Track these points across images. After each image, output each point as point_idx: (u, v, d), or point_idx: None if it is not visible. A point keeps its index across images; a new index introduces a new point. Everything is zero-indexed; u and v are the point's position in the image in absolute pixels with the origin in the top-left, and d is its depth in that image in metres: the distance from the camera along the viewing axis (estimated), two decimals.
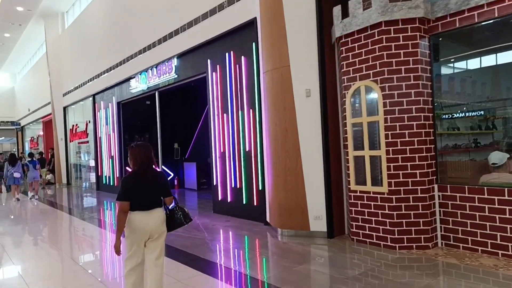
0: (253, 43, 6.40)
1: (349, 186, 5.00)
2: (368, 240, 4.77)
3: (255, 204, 6.59)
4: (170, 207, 3.15)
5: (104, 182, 12.80)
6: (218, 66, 7.30)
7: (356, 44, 4.85)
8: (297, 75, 5.32)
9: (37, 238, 6.55)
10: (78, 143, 15.35)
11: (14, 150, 26.18)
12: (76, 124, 15.34)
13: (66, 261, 4.96)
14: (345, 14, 4.95)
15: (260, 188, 6.46)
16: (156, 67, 9.33)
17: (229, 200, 7.20)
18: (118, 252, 2.94)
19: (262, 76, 5.99)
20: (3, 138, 27.84)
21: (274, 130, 5.57)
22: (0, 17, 15.87)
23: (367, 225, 4.78)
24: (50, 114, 17.54)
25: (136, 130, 12.69)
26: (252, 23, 6.35)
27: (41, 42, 19.29)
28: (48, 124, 19.18)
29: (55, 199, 12.23)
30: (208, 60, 7.51)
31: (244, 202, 6.83)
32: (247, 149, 6.71)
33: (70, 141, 16.18)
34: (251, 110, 6.58)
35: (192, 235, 5.87)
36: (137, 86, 10.27)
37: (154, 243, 3.03)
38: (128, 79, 10.72)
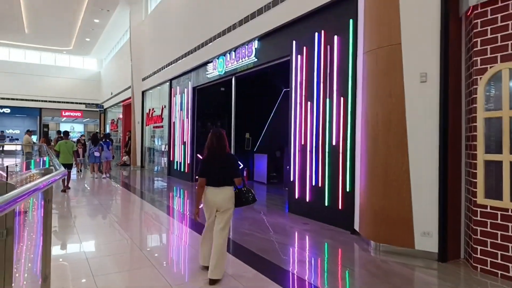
0: (350, 20, 5.51)
1: (474, 199, 3.93)
2: (500, 272, 3.68)
3: (339, 207, 5.76)
4: (238, 187, 3.70)
5: (175, 168, 12.92)
6: (304, 47, 6.54)
7: (499, 15, 3.73)
8: (410, 55, 4.35)
9: (106, 216, 6.52)
10: (154, 127, 15.80)
11: (97, 131, 28.42)
12: (153, 109, 15.79)
13: (128, 243, 4.70)
14: None
15: (347, 190, 5.61)
16: (235, 51, 8.88)
17: (307, 199, 6.47)
18: (195, 218, 3.67)
19: (361, 57, 5.10)
20: (88, 119, 30.40)
21: (373, 121, 4.68)
22: (91, 2, 16.90)
23: (499, 253, 3.69)
24: (129, 98, 18.41)
25: (209, 117, 12.53)
26: None
27: (126, 28, 20.33)
28: (127, 108, 20.24)
29: (129, 180, 12.64)
30: (293, 41, 6.79)
31: (326, 204, 6.04)
32: (333, 143, 5.89)
33: (146, 125, 16.77)
34: (342, 98, 5.72)
35: (269, 236, 5.26)
36: (214, 70, 9.96)
37: (221, 216, 3.64)
38: (205, 64, 10.49)
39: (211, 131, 3.84)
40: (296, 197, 6.75)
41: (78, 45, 24.85)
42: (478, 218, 3.87)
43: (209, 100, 12.06)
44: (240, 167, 3.89)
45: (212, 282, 3.45)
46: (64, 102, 27.87)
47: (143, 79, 16.82)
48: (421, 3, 4.28)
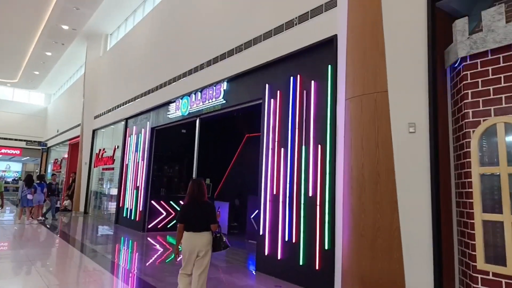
0: (329, 66, 5.33)
1: (473, 263, 3.56)
2: None
3: (316, 267, 5.16)
4: (214, 233, 4.06)
5: (124, 215, 11.67)
6: (278, 91, 6.25)
7: (490, 68, 3.65)
8: (397, 103, 4.13)
9: (31, 271, 5.34)
10: (103, 169, 14.51)
11: (37, 171, 25.91)
12: (103, 149, 14.62)
13: None
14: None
15: (325, 247, 5.07)
16: (201, 91, 8.45)
17: (279, 257, 5.81)
18: (176, 256, 4.23)
19: (342, 104, 4.84)
20: (28, 158, 27.80)
21: (358, 173, 4.30)
22: (45, 34, 15.97)
23: None
24: (78, 136, 17.06)
25: (167, 160, 11.72)
26: (329, 42, 5.33)
27: (80, 64, 19.39)
28: (74, 147, 18.70)
29: (69, 229, 11.13)
30: (267, 85, 6.50)
31: (300, 263, 5.42)
32: (309, 194, 5.42)
33: (94, 167, 15.40)
34: (319, 146, 5.37)
35: None
36: (177, 111, 9.39)
37: (201, 260, 3.95)
38: (167, 103, 9.90)
39: (191, 180, 4.28)
40: (266, 253, 6.06)
41: (25, 78, 23.21)
42: (479, 286, 3.48)
43: (168, 142, 11.33)
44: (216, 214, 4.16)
45: None
46: (2, 139, 25.35)
47: (96, 117, 15.73)
48: (408, 51, 4.16)
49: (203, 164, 11.90)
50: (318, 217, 5.24)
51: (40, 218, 12.07)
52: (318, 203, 5.27)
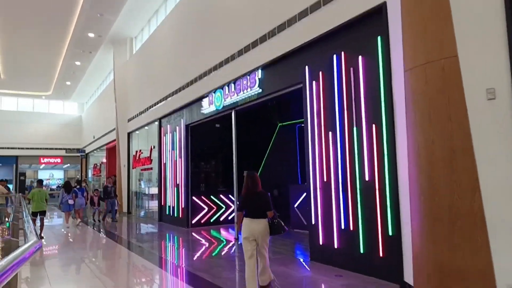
0: (378, 37, 4.81)
1: None
2: None
3: (380, 255, 4.73)
4: (270, 219, 4.33)
5: (167, 213, 11.61)
6: (320, 72, 5.78)
7: None
8: (470, 68, 3.58)
9: (87, 269, 5.22)
10: (141, 169, 14.56)
11: (78, 176, 26.65)
12: (140, 150, 14.63)
13: None
14: None
15: (389, 233, 4.62)
16: (234, 83, 8.09)
17: (335, 246, 5.41)
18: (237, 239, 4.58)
19: (399, 77, 4.33)
20: (68, 165, 28.63)
21: (428, 151, 3.80)
22: (72, 44, 16.09)
23: None
24: (114, 140, 17.22)
25: (202, 157, 11.51)
26: (377, 11, 4.80)
27: (109, 70, 19.52)
28: (111, 151, 18.95)
29: (115, 229, 11.18)
30: (306, 67, 6.04)
31: (361, 251, 5.00)
32: (366, 178, 4.96)
33: (132, 168, 15.49)
34: (373, 126, 4.88)
35: None
36: (210, 105, 9.09)
37: (260, 243, 4.28)
38: (199, 99, 9.63)
39: (246, 174, 4.62)
40: (321, 243, 5.68)
41: (58, 89, 23.73)
42: None
43: (202, 138, 11.10)
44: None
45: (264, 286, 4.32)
46: (43, 149, 26.17)
47: (129, 120, 15.78)
48: (480, 5, 3.58)
49: (240, 157, 11.65)
50: (379, 202, 4.78)
51: (92, 220, 12.25)
52: (377, 187, 4.80)
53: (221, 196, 10.94)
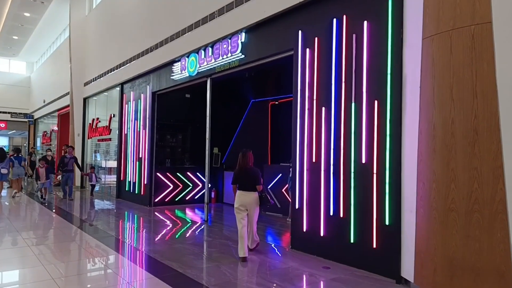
0: (389, 1, 4.26)
1: None
2: None
3: (374, 246, 4.36)
4: (259, 192, 5.02)
5: (127, 189, 10.75)
6: (316, 38, 5.18)
7: None
8: (506, 38, 3.14)
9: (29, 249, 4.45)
10: (98, 140, 13.42)
11: (25, 144, 24.60)
12: (97, 118, 13.45)
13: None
14: None
15: (386, 223, 4.24)
16: (212, 46, 7.29)
17: (321, 233, 4.99)
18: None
19: (412, 47, 3.84)
20: (14, 131, 26.34)
21: (446, 132, 3.38)
22: None
23: None
24: (67, 106, 15.77)
25: (169, 129, 10.69)
26: None
27: (64, 25, 17.69)
28: (64, 118, 17.43)
29: (66, 205, 10.20)
30: (299, 32, 5.41)
31: (351, 240, 4.61)
32: (362, 161, 4.52)
33: (88, 138, 14.29)
34: (375, 102, 4.40)
35: None
36: (183, 71, 8.24)
37: (250, 212, 5.02)
38: (170, 63, 8.72)
39: (241, 152, 5.24)
40: (304, 229, 5.25)
41: (2, 45, 21.33)
42: None
43: (170, 109, 10.25)
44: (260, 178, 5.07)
45: (251, 249, 5.17)
46: None
47: (86, 84, 14.41)
48: None
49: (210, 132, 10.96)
50: (375, 188, 4.36)
51: (40, 198, 10.91)
52: (374, 171, 4.38)
53: (188, 173, 10.26)
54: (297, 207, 5.40)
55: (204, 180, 10.34)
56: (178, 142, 11.15)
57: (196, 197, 10.38)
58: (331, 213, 4.87)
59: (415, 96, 3.80)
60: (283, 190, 8.42)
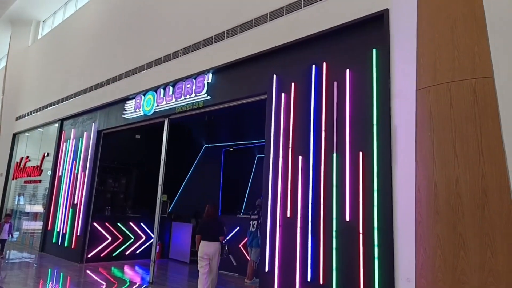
0: (374, 50, 4.08)
1: None
2: None
3: None
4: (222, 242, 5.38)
5: (54, 241, 9.09)
6: (292, 83, 4.83)
7: None
8: (509, 93, 2.96)
9: None
10: (25, 181, 11.59)
11: None
12: (27, 157, 11.72)
13: None
14: None
15: None
16: (174, 85, 6.67)
17: None
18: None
19: (404, 97, 3.58)
20: None
21: (450, 192, 3.01)
22: None
23: None
24: None
25: (111, 172, 9.53)
26: (374, 20, 4.10)
27: (1, 55, 16.04)
28: None
29: None
30: (274, 76, 5.05)
31: None
32: (346, 218, 4.01)
33: (13, 179, 12.32)
34: (360, 154, 4.02)
35: None
36: (137, 110, 7.42)
37: (213, 261, 5.23)
38: (123, 100, 7.87)
39: (208, 205, 5.63)
40: None
41: None
42: None
43: (116, 150, 9.20)
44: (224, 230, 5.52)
45: None
46: None
47: (18, 118, 12.75)
48: None
49: (155, 176, 9.98)
50: (362, 250, 3.83)
51: None
52: (361, 230, 3.87)
53: (131, 223, 9.01)
54: (266, 269, 4.64)
55: (149, 232, 9.17)
56: (121, 187, 9.95)
57: (137, 252, 9.05)
58: (309, 279, 4.20)
59: (408, 149, 3.47)
60: (240, 246, 7.57)
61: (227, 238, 7.88)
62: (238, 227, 7.76)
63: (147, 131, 9.73)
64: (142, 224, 9.20)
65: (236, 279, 7.17)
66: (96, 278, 6.94)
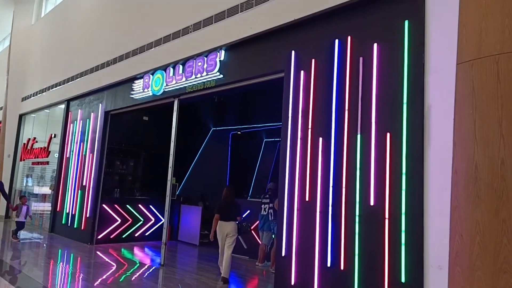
0: (406, 22, 3.74)
1: None
2: None
3: None
4: (238, 222, 5.55)
5: (63, 222, 8.99)
6: (313, 60, 4.51)
7: None
8: None
9: None
10: (33, 163, 11.45)
11: None
12: (34, 138, 11.55)
13: None
14: None
15: (402, 280, 3.46)
16: (184, 64, 6.36)
17: None
18: (212, 238, 5.44)
19: (440, 73, 3.28)
20: None
21: (493, 175, 2.74)
22: None
23: None
24: None
25: (119, 154, 9.34)
26: None
27: (4, 35, 15.68)
28: None
29: None
30: (293, 52, 4.72)
31: None
32: (371, 203, 3.77)
33: (20, 160, 12.19)
34: (388, 134, 3.74)
35: None
36: (146, 90, 7.14)
37: (229, 239, 5.37)
38: (131, 80, 7.58)
39: (226, 188, 5.86)
40: (292, 282, 4.29)
41: None
42: None
43: (122, 132, 8.95)
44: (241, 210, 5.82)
45: (224, 279, 5.25)
46: None
47: (24, 99, 12.51)
48: None
49: (163, 159, 9.79)
50: (387, 236, 3.60)
51: None
52: (386, 215, 3.63)
53: (140, 206, 8.86)
54: (283, 254, 4.45)
55: (158, 214, 9.04)
56: (129, 169, 9.78)
57: (146, 234, 8.95)
58: (328, 264, 4.00)
59: (444, 129, 3.19)
60: (250, 229, 7.39)
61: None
62: (248, 211, 7.57)
63: (155, 112, 9.47)
64: (151, 206, 9.05)
65: (247, 262, 7.05)
66: (106, 259, 6.84)
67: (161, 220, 9.20)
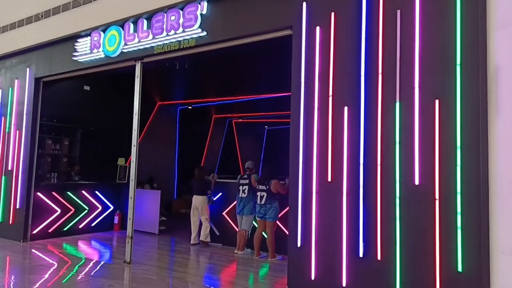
0: None
1: None
2: None
3: None
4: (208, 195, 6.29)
5: None
6: (332, 14, 3.62)
7: None
8: None
9: None
10: None
11: None
12: None
13: None
14: None
15: (458, 269, 2.89)
16: (150, 18, 4.95)
17: (343, 283, 3.35)
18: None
19: (506, 28, 2.67)
20: None
21: None
22: None
23: None
24: None
25: (49, 132, 7.52)
26: None
27: None
28: None
29: None
30: (304, 4, 3.77)
31: None
32: (415, 182, 3.11)
33: None
34: (436, 102, 3.07)
35: None
36: (94, 50, 5.52)
37: (202, 211, 6.24)
38: (72, 38, 5.83)
39: (196, 168, 6.78)
40: (312, 277, 3.52)
41: None
42: None
43: (54, 105, 7.04)
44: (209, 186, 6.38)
45: (205, 244, 6.15)
46: None
47: None
48: None
49: (114, 137, 8.18)
50: (438, 219, 3.00)
51: None
52: (436, 196, 3.01)
53: (83, 192, 7.24)
54: (299, 244, 3.63)
55: (105, 201, 7.55)
56: (64, 149, 7.98)
57: (92, 224, 7.40)
58: (360, 254, 3.30)
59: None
60: (224, 213, 6.44)
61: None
62: (220, 193, 6.57)
63: (98, 82, 7.75)
64: (97, 192, 7.48)
65: (221, 250, 6.10)
66: (45, 258, 5.37)
67: (110, 207, 7.70)
